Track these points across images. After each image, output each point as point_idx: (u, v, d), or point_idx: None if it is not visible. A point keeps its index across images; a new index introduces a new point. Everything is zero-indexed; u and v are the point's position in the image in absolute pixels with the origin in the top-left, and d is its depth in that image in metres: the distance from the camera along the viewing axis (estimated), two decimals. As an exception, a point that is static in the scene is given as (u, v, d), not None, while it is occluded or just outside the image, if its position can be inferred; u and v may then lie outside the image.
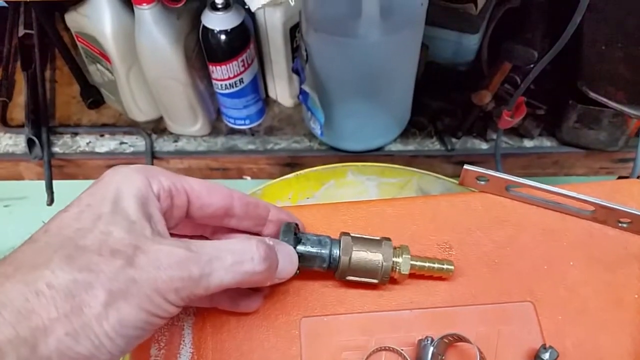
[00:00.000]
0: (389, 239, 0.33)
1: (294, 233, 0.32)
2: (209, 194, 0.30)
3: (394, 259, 0.32)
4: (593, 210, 0.35)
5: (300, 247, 0.32)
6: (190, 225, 0.32)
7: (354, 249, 0.32)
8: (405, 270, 0.32)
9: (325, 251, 0.32)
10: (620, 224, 0.36)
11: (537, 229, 0.36)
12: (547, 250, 0.35)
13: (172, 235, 0.29)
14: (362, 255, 0.32)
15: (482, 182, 0.37)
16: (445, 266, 0.33)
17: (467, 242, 0.35)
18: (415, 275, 0.34)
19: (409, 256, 0.33)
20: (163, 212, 0.28)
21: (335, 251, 0.32)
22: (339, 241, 0.33)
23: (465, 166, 0.36)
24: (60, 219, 0.26)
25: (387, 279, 0.33)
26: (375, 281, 0.33)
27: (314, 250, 0.32)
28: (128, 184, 0.27)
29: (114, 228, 0.25)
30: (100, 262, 0.24)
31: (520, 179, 0.36)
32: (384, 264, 0.32)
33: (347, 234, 0.33)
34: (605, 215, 0.36)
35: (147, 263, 0.24)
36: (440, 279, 0.34)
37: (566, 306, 0.33)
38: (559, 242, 0.35)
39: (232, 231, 0.33)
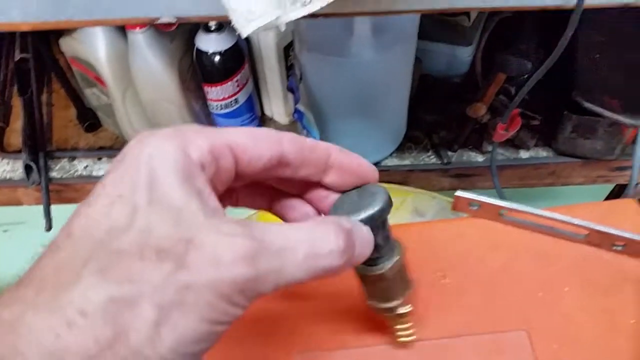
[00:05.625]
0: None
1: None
2: (256, 145, 0.24)
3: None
4: (587, 233, 0.35)
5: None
6: (243, 195, 0.28)
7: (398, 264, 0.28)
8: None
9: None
10: (615, 247, 0.35)
11: (531, 254, 0.36)
12: (541, 276, 0.35)
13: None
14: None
15: (475, 208, 0.37)
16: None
17: (461, 270, 0.35)
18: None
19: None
20: (210, 181, 0.22)
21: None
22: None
23: (457, 193, 0.36)
24: (86, 217, 0.20)
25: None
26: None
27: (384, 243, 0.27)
28: (162, 159, 0.21)
29: (156, 222, 0.20)
30: (144, 270, 0.19)
31: (512, 204, 0.36)
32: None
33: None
34: (599, 239, 0.35)
35: (203, 261, 0.19)
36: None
37: (561, 334, 0.33)
38: (554, 267, 0.35)
39: (293, 203, 0.28)
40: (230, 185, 0.25)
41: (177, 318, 0.19)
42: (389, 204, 0.27)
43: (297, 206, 0.29)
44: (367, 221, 0.25)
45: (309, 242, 0.22)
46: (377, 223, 0.26)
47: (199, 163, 0.22)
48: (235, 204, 0.28)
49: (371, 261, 0.27)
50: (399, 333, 0.31)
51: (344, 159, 0.27)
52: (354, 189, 0.28)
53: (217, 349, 0.33)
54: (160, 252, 0.19)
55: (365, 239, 0.25)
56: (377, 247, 0.26)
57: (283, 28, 0.47)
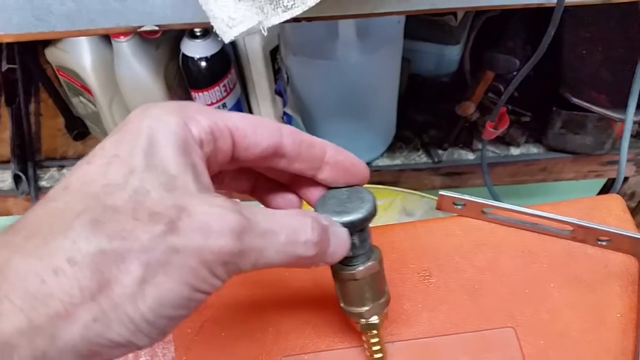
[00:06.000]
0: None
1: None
2: (255, 132, 0.24)
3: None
4: (571, 229, 0.35)
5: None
6: (229, 178, 0.28)
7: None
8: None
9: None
10: (599, 242, 0.36)
11: (516, 251, 0.36)
12: (527, 273, 0.35)
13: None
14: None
15: (459, 207, 0.37)
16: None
17: (447, 269, 0.35)
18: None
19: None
20: (205, 159, 0.23)
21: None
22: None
23: (441, 192, 0.36)
24: (83, 173, 0.21)
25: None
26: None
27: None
28: (162, 129, 0.22)
29: (151, 186, 0.20)
30: (136, 229, 0.19)
31: (495, 202, 0.36)
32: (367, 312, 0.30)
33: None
34: (584, 234, 0.35)
35: (194, 228, 0.20)
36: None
37: (548, 330, 0.33)
38: (539, 264, 0.35)
39: (276, 188, 0.29)
40: (222, 168, 0.26)
41: (161, 278, 0.19)
42: (372, 214, 0.27)
43: (283, 195, 0.29)
44: (346, 225, 0.26)
45: (290, 228, 0.23)
46: (357, 229, 0.27)
47: (198, 139, 0.23)
48: (220, 185, 0.28)
49: (346, 261, 0.28)
50: (372, 349, 0.31)
51: (340, 158, 0.27)
52: (344, 186, 0.28)
53: (203, 353, 0.33)
54: (153, 214, 0.20)
55: (341, 239, 0.26)
56: (353, 247, 0.27)
57: (265, 33, 0.47)
